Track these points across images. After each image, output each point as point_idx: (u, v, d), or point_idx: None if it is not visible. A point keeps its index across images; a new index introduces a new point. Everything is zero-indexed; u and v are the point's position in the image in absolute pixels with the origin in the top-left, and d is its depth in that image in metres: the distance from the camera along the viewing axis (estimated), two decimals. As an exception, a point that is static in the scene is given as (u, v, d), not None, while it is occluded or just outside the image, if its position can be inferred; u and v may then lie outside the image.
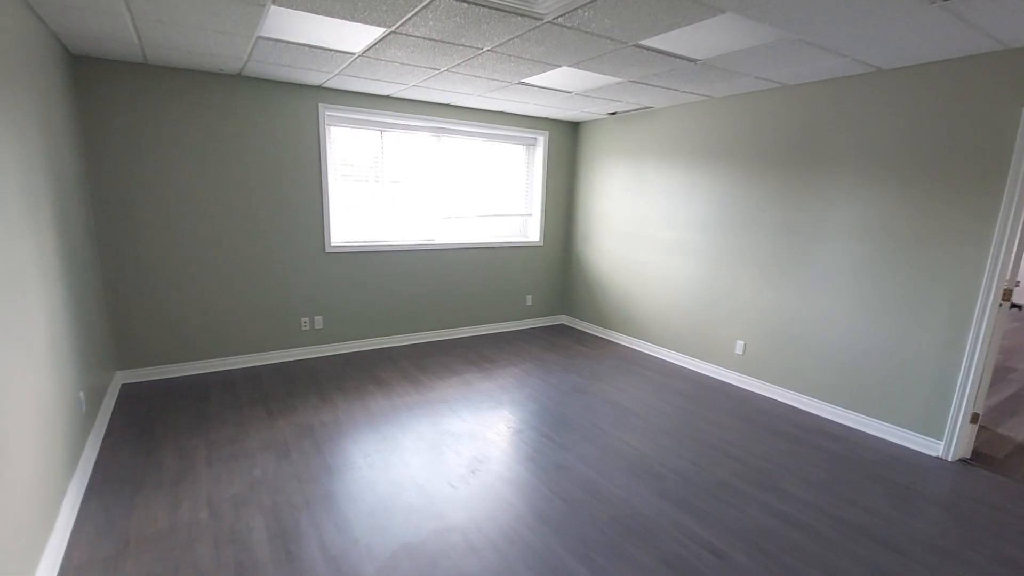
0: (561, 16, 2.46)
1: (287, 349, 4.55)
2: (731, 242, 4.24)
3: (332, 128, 4.48)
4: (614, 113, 5.08)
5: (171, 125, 3.75)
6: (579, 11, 2.40)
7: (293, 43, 3.02)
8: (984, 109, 2.82)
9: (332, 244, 4.60)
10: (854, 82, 3.34)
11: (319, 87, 4.25)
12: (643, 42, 2.79)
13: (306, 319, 4.58)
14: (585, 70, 3.39)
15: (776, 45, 2.77)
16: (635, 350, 5.23)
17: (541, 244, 5.94)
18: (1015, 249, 2.79)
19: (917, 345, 3.17)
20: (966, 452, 3.08)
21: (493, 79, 3.74)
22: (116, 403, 3.52)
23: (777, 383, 3.99)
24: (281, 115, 4.16)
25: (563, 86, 3.89)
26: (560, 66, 3.31)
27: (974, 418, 3.02)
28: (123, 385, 3.83)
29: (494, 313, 5.75)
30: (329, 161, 4.48)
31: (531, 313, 6.06)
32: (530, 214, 5.92)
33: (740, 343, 4.24)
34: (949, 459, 3.06)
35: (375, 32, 2.76)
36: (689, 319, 4.69)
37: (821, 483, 2.78)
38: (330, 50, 3.15)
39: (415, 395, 3.83)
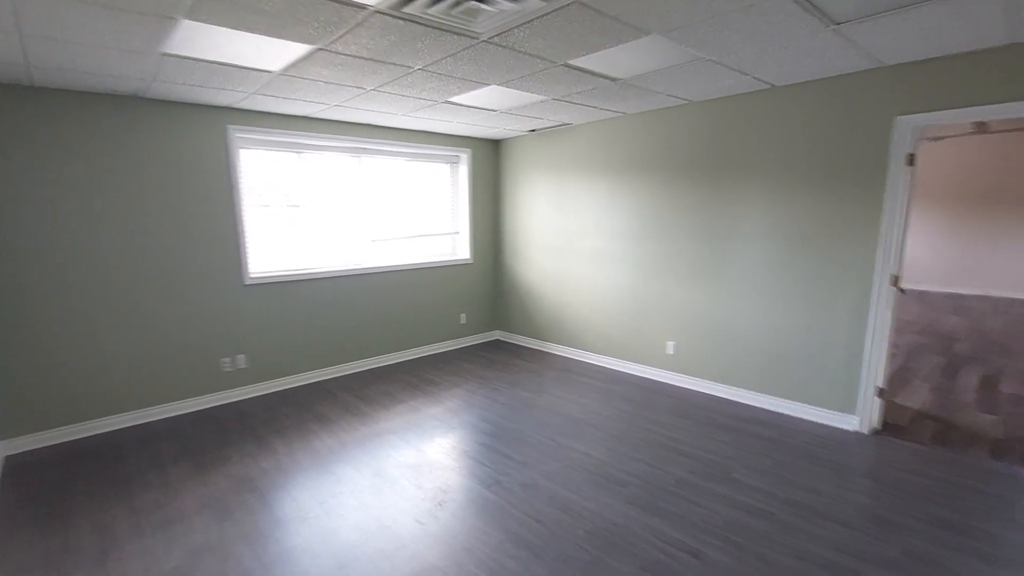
0: (497, 35, 2.44)
1: (211, 394, 4.08)
2: (656, 249, 4.43)
3: (244, 151, 4.13)
4: (534, 130, 5.16)
5: (56, 156, 3.25)
6: (515, 31, 2.39)
7: (205, 61, 2.74)
8: (864, 119, 3.17)
9: (250, 276, 4.21)
10: (752, 98, 3.64)
11: (228, 108, 3.90)
12: (572, 62, 2.84)
13: (227, 359, 4.14)
14: (514, 88, 3.39)
15: (689, 65, 2.94)
16: (573, 359, 5.29)
17: (471, 261, 5.86)
18: (895, 241, 3.15)
19: (827, 331, 3.48)
20: (877, 424, 3.41)
21: (420, 98, 3.64)
22: (-1, 481, 2.95)
23: (709, 378, 4.21)
24: (185, 139, 3.76)
25: (489, 104, 3.87)
26: (490, 84, 3.29)
27: (880, 392, 3.35)
28: (7, 457, 3.22)
29: (430, 334, 5.58)
30: (242, 187, 4.11)
31: (466, 331, 5.95)
32: (458, 232, 5.83)
33: (671, 344, 4.43)
34: (865, 432, 3.37)
35: (300, 49, 2.57)
36: (622, 325, 4.82)
37: (767, 470, 2.94)
38: (246, 68, 2.89)
39: (362, 428, 3.58)
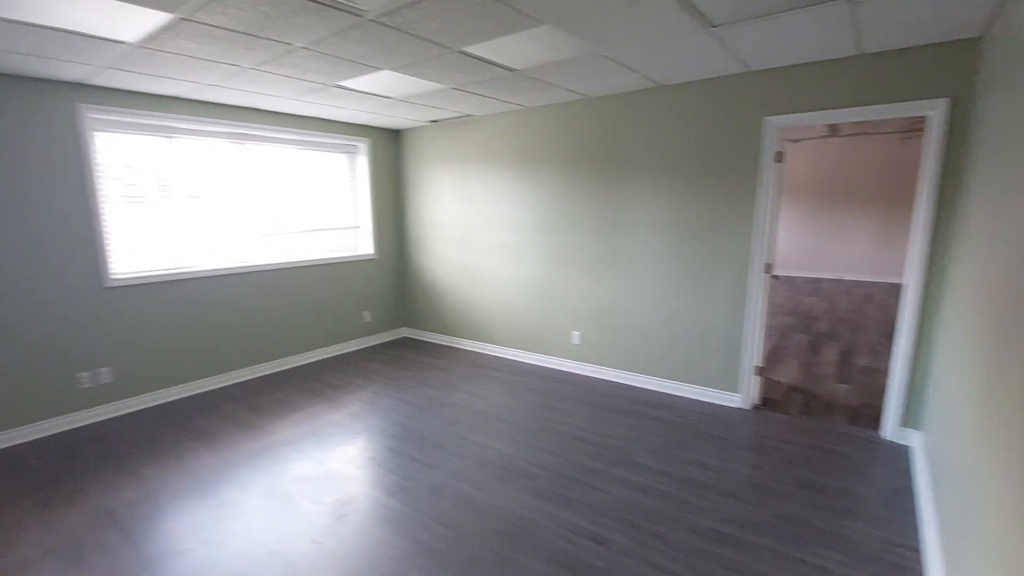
0: (385, 15, 2.28)
1: (64, 416, 3.49)
2: (560, 241, 4.49)
3: (101, 134, 3.56)
4: (435, 121, 5.01)
5: None
6: (404, 11, 2.24)
7: (38, 25, 2.29)
8: (739, 118, 3.41)
9: (113, 277, 3.67)
10: (642, 95, 3.79)
11: (79, 84, 3.34)
12: (468, 49, 2.75)
13: (86, 373, 3.58)
14: (409, 75, 3.23)
15: (584, 59, 2.97)
16: (482, 353, 5.24)
17: (375, 256, 5.59)
18: (767, 231, 3.44)
19: (712, 316, 3.73)
20: (757, 399, 3.73)
21: (306, 80, 3.36)
22: None
23: (611, 366, 4.36)
24: (25, 120, 3.16)
25: (385, 91, 3.67)
26: (382, 69, 3.10)
27: (758, 370, 3.66)
28: None
29: (332, 335, 5.24)
30: (101, 175, 3.55)
31: (371, 329, 5.68)
32: (359, 226, 5.53)
33: (576, 334, 4.53)
34: (747, 407, 3.67)
35: (158, 18, 2.23)
36: (529, 317, 4.86)
37: (662, 449, 3.09)
38: (92, 37, 2.46)
39: (251, 443, 3.26)
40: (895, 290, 8.40)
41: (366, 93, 3.72)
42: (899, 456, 2.96)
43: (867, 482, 2.69)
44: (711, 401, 3.82)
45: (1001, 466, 1.44)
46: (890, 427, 3.14)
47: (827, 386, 4.10)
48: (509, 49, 2.77)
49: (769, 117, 3.29)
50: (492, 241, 4.99)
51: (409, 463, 2.97)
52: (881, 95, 2.92)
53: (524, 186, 4.64)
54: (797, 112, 3.19)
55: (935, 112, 2.78)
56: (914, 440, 3.05)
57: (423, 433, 3.37)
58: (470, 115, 4.73)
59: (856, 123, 8.62)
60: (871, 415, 3.53)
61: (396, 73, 3.18)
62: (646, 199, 3.92)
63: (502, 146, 4.73)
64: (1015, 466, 1.30)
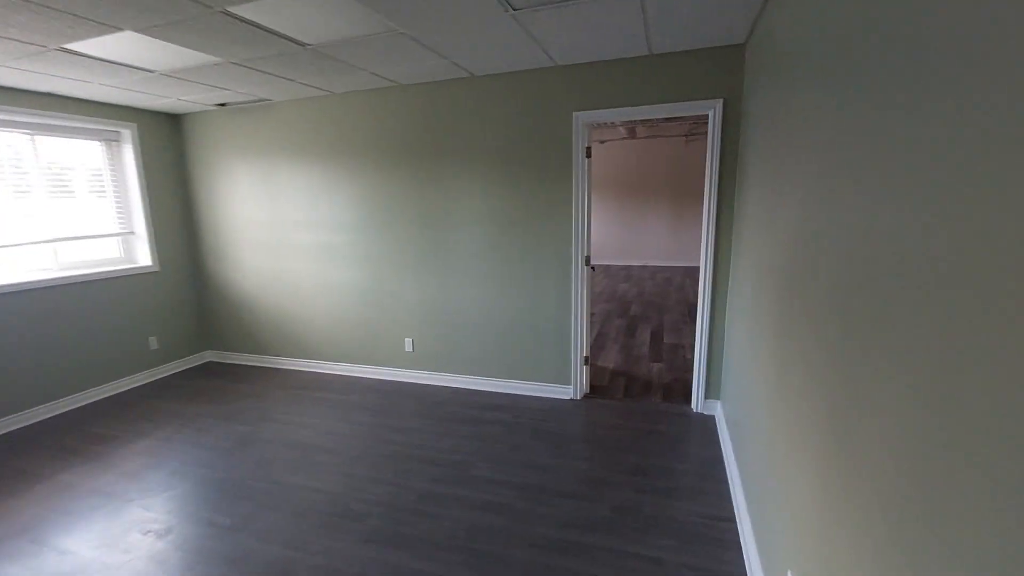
0: (107, -44, 1.68)
1: None
2: (382, 241, 4.11)
3: None
4: (224, 105, 4.20)
5: None
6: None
7: None
8: (552, 112, 3.43)
9: None
10: (459, 85, 3.60)
11: None
12: (232, 9, 2.22)
13: None
14: (163, 40, 2.54)
15: (385, 38, 2.64)
16: (306, 372, 4.61)
17: (157, 269, 4.53)
18: (583, 224, 3.53)
19: (541, 311, 3.74)
20: (586, 389, 3.85)
21: (16, 40, 2.45)
22: None
23: (447, 371, 4.14)
24: None
25: (138, 60, 2.88)
26: (123, 29, 2.38)
27: (585, 360, 3.78)
28: None
29: (103, 370, 4.11)
30: None
31: (160, 358, 4.61)
32: (133, 232, 4.43)
33: (409, 340, 4.21)
34: (578, 398, 3.76)
35: None
36: (357, 326, 4.39)
37: (502, 457, 2.96)
38: None
39: (-51, 547, 2.29)
40: (689, 272, 9.73)
41: (111, 62, 2.87)
42: (707, 427, 3.28)
43: (684, 457, 2.89)
44: (547, 396, 3.85)
45: (785, 427, 1.56)
46: (698, 400, 3.48)
47: (644, 367, 4.45)
48: (288, 15, 2.30)
49: (577, 112, 3.35)
50: (308, 244, 4.38)
51: (202, 530, 2.36)
52: (670, 94, 3.15)
53: (341, 181, 4.14)
54: (601, 108, 3.30)
55: (713, 111, 3.08)
56: (717, 409, 3.42)
57: (224, 484, 2.74)
58: (268, 100, 4.05)
59: (649, 126, 9.72)
60: (682, 390, 3.88)
61: (144, 36, 2.46)
62: (471, 193, 3.75)
63: (312, 136, 4.15)
64: (797, 428, 1.41)
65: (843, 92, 1.24)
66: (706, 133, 9.67)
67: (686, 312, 6.38)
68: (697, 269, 10.05)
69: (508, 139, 3.57)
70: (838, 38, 1.31)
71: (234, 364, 4.91)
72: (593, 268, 3.69)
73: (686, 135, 9.92)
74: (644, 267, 10.60)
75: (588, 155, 3.45)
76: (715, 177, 3.16)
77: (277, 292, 4.62)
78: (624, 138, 10.14)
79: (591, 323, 5.95)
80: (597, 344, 5.13)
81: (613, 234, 10.96)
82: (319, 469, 2.88)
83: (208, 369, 4.78)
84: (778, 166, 1.95)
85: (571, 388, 3.77)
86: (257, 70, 3.11)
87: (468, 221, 3.80)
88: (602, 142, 10.43)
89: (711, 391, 3.44)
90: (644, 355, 4.75)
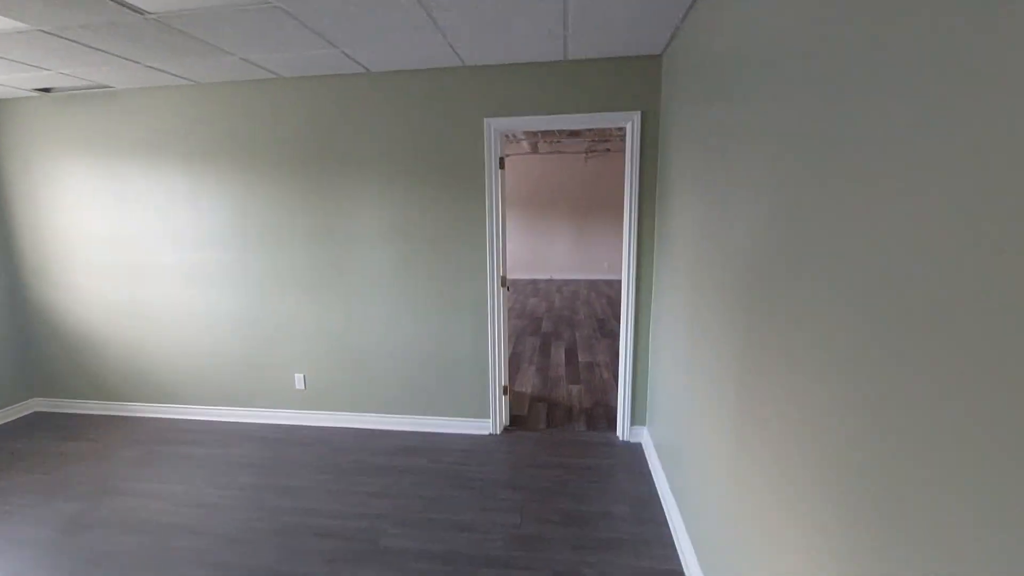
0: None
1: None
2: (268, 260, 3.46)
3: None
4: (47, 90, 3.31)
5: None
6: None
7: None
8: (463, 118, 3.08)
9: None
10: (352, 82, 3.12)
11: None
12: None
13: None
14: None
15: (252, 12, 2.10)
16: (168, 420, 3.76)
17: (-53, 300, 3.44)
18: (499, 242, 3.22)
19: (456, 338, 3.35)
20: (507, 421, 3.51)
21: None
22: None
23: (349, 409, 3.58)
24: None
25: (-101, 25, 2.06)
26: None
27: (505, 390, 3.44)
28: None
29: None
30: None
31: (-48, 416, 3.50)
32: (-94, 253, 3.32)
33: (300, 376, 3.59)
34: (498, 432, 3.40)
35: None
36: (236, 362, 3.66)
37: (418, 518, 2.51)
38: None
39: None
40: (592, 285, 9.87)
41: None
42: (636, 456, 3.08)
43: (619, 497, 2.65)
44: (465, 433, 3.44)
45: (725, 460, 1.32)
46: (623, 428, 3.29)
47: (562, 390, 4.22)
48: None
49: (489, 119, 3.04)
50: (171, 265, 3.58)
51: None
52: (587, 104, 2.95)
53: (215, 190, 3.43)
54: (516, 115, 3.02)
55: (631, 124, 2.93)
56: (644, 436, 3.25)
57: (31, 601, 1.99)
58: (108, 87, 3.25)
59: (551, 143, 9.78)
60: (604, 415, 3.69)
61: None
62: (373, 205, 3.27)
63: (174, 135, 3.39)
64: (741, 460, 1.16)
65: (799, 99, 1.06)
66: (608, 150, 9.95)
67: (596, 327, 6.33)
68: (600, 282, 10.24)
69: (415, 146, 3.15)
70: (794, 40, 1.13)
71: (71, 414, 3.89)
72: (508, 288, 3.38)
73: (586, 152, 10.13)
74: (550, 280, 10.59)
75: (502, 166, 3.15)
76: (635, 192, 3.00)
77: (129, 323, 3.73)
78: (528, 153, 10.11)
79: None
80: (512, 366, 4.82)
81: (519, 248, 10.85)
82: (176, 563, 2.22)
83: (34, 423, 3.73)
84: (719, 180, 1.78)
85: (491, 422, 3.41)
86: (84, 45, 2.40)
87: (373, 238, 3.31)
88: (507, 156, 10.31)
89: (637, 417, 3.27)
90: (561, 376, 4.53)
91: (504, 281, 3.31)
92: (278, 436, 3.45)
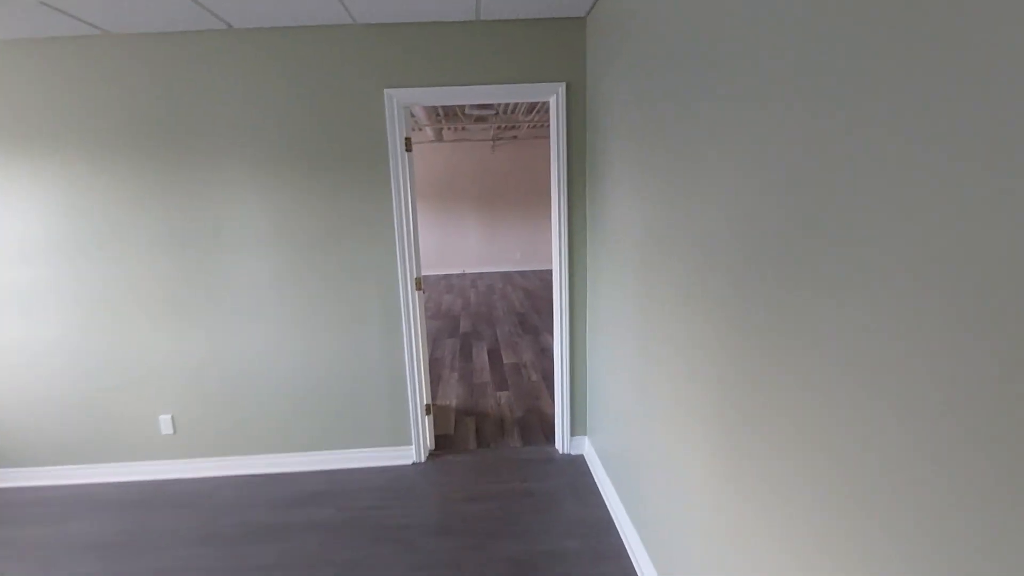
0: None
1: None
2: (108, 273, 2.66)
3: None
4: None
5: None
6: None
7: None
8: (359, 88, 2.52)
9: None
10: (211, 42, 2.44)
11: None
12: None
13: None
14: None
15: None
16: (-29, 495, 2.81)
17: None
18: (410, 237, 2.74)
19: (363, 354, 2.81)
20: (431, 445, 3.04)
21: None
22: None
23: (234, 453, 2.90)
24: None
25: None
26: None
27: (428, 409, 2.97)
28: None
29: None
30: None
31: None
32: None
33: (166, 418, 2.83)
34: (422, 460, 2.92)
35: None
36: (74, 405, 2.81)
37: (329, 588, 1.98)
38: None
39: None
40: (506, 277, 9.57)
41: None
42: (581, 472, 2.75)
43: (570, 528, 2.29)
44: (383, 465, 2.92)
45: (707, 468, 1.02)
46: (563, 440, 2.96)
47: (490, 398, 3.82)
48: None
49: (390, 90, 2.51)
50: (-48, 292, 2.64)
51: None
52: (505, 73, 2.53)
53: (23, 183, 2.54)
54: (421, 86, 2.52)
55: (556, 97, 2.57)
56: (585, 447, 2.95)
57: None
58: None
59: (458, 131, 9.27)
60: (540, 425, 3.34)
61: None
62: (250, 202, 2.61)
63: (-63, 115, 2.45)
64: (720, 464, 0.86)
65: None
66: (515, 137, 9.63)
67: (516, 323, 6.01)
68: (514, 273, 9.98)
69: (302, 126, 2.54)
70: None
71: None
72: (423, 290, 2.90)
73: (493, 139, 9.75)
74: (463, 275, 10.14)
75: (408, 148, 2.65)
76: (563, 176, 2.65)
77: (-103, 374, 2.72)
78: (432, 141, 9.51)
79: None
80: (433, 375, 4.33)
81: (428, 243, 10.25)
82: None
83: None
84: (676, 160, 1.46)
85: (413, 449, 2.92)
86: None
87: (250, 241, 2.65)
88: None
89: (577, 426, 2.96)
90: (487, 383, 4.13)
91: (419, 283, 2.82)
92: (140, 497, 2.69)
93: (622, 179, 2.05)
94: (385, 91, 2.51)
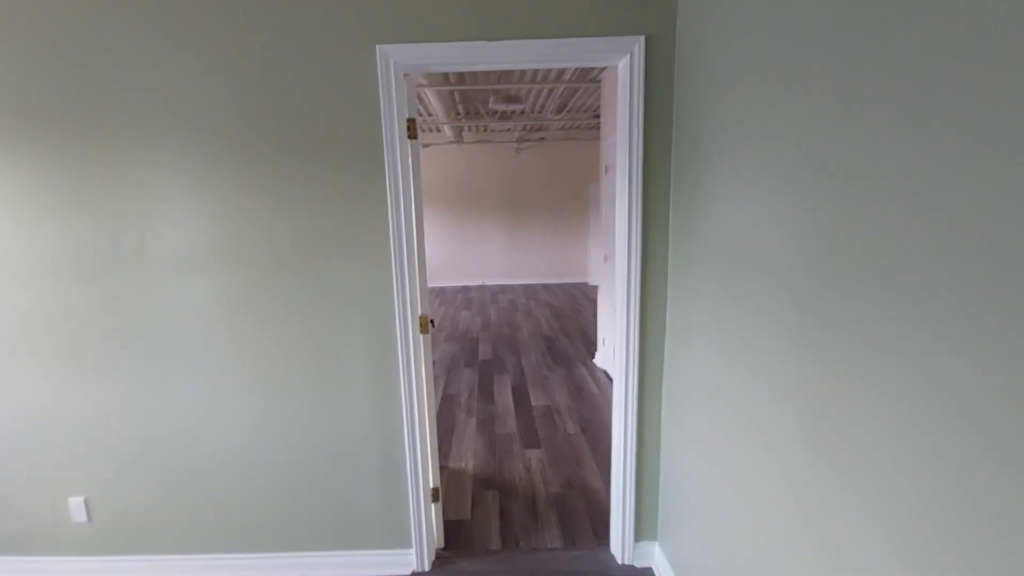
0: None
1: None
2: (-2, 310, 1.90)
3: None
4: None
5: None
6: None
7: None
8: (340, 42, 1.71)
9: None
10: (141, -11, 1.67)
11: None
12: None
13: None
14: None
15: None
16: None
17: None
18: (413, 258, 1.92)
19: (345, 420, 1.99)
20: (439, 541, 2.20)
21: None
22: None
23: (164, 550, 2.09)
24: None
25: None
26: None
27: (435, 495, 2.13)
28: None
29: None
30: None
31: None
32: None
33: (79, 501, 2.05)
34: (426, 569, 2.07)
35: None
36: (-53, 487, 2.04)
37: None
38: None
39: None
40: (530, 291, 8.73)
41: None
42: (646, 596, 1.89)
43: None
44: (370, 574, 2.08)
45: None
46: (624, 545, 2.08)
47: (517, 460, 2.96)
48: None
49: (385, 46, 1.70)
50: None
51: None
52: (551, 23, 1.70)
53: None
54: (429, 41, 1.71)
55: (630, 58, 1.72)
56: (655, 558, 2.07)
57: None
58: None
59: (478, 130, 8.51)
60: (586, 510, 2.47)
61: None
62: (186, 203, 1.82)
63: None
64: None
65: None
66: (542, 139, 8.82)
67: (544, 349, 5.15)
68: (538, 287, 9.13)
69: (258, 94, 1.75)
70: None
71: None
72: (433, 324, 2.06)
73: (517, 140, 8.96)
74: (482, 287, 9.33)
75: (412, 134, 1.83)
76: (636, 175, 1.81)
77: None
78: (450, 142, 8.77)
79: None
80: (445, 419, 3.49)
81: (447, 252, 9.48)
82: None
83: None
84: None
85: (413, 554, 2.07)
86: None
87: (185, 260, 1.86)
88: (425, 146, 8.89)
89: (643, 527, 2.08)
90: (513, 435, 3.27)
91: (426, 324, 2.00)
92: (33, 615, 1.91)
93: (754, 186, 1.20)
94: (378, 48, 1.71)
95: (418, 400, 1.97)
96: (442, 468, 2.85)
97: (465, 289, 9.15)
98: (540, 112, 7.07)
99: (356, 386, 1.96)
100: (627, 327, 1.92)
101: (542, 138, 8.81)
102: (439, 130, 8.18)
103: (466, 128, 8.16)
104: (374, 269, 1.87)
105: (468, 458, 2.98)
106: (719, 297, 1.44)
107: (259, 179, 1.80)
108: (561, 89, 5.59)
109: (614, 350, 1.99)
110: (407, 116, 1.80)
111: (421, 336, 1.97)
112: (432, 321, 2.02)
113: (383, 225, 1.84)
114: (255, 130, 1.76)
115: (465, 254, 9.49)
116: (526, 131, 8.34)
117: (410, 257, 1.88)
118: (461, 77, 4.89)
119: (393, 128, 1.77)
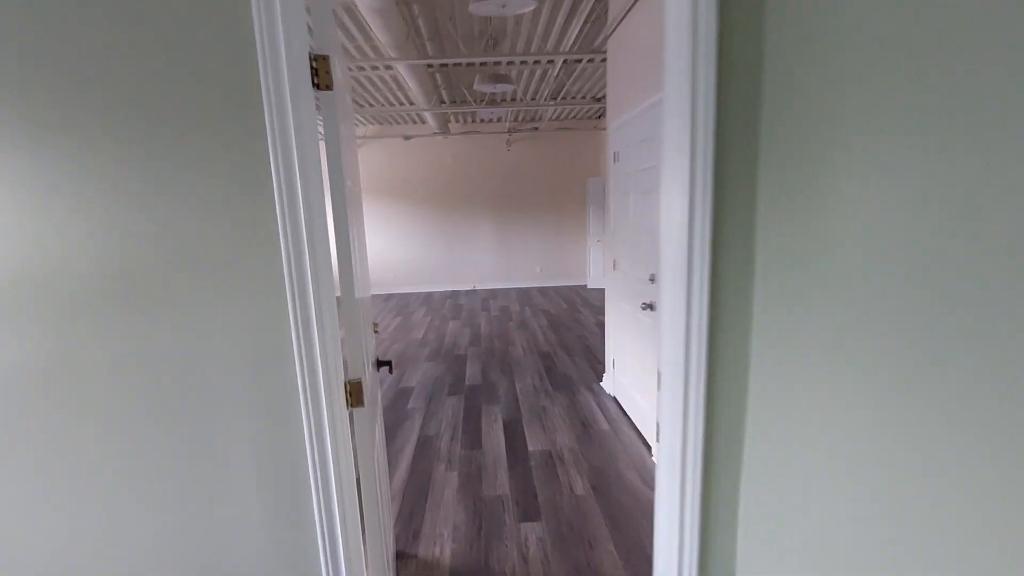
0: None
1: None
2: None
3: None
4: None
5: None
6: None
7: None
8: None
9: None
10: None
11: None
12: None
13: None
14: None
15: None
16: None
17: None
18: (327, 279, 1.18)
19: (222, 549, 1.24)
20: None
21: None
22: None
23: None
24: None
25: None
26: None
27: (383, 643, 1.38)
28: None
29: None
30: None
31: None
32: None
33: None
34: None
35: None
36: None
37: None
38: None
39: None
40: (524, 296, 7.99)
41: None
42: None
43: None
44: None
45: None
46: None
47: (507, 539, 2.21)
48: None
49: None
50: None
51: None
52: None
53: None
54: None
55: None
56: None
57: None
58: None
59: (466, 122, 7.75)
60: (599, 624, 1.74)
61: None
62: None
63: None
64: None
65: None
66: (536, 129, 8.05)
67: (542, 369, 4.42)
68: (533, 291, 8.39)
69: (55, 14, 0.99)
70: None
71: None
72: (392, 370, 1.30)
73: (508, 132, 8.20)
74: (473, 291, 8.59)
75: (325, 83, 1.08)
76: (704, 150, 1.06)
77: None
78: (435, 133, 8.00)
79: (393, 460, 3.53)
80: (420, 472, 2.74)
81: (434, 254, 8.72)
82: None
83: None
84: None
85: None
86: None
87: (-51, 299, 1.10)
88: (407, 138, 8.12)
89: None
90: (504, 497, 2.53)
91: (356, 393, 1.24)
92: None
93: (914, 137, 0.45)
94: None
95: (342, 517, 1.22)
96: (409, 558, 2.10)
97: (454, 295, 8.40)
98: (533, 99, 6.32)
99: (238, 496, 1.21)
100: (685, 388, 1.18)
101: (535, 128, 8.06)
102: (422, 120, 7.42)
103: (452, 118, 7.40)
104: (257, 307, 1.12)
105: (445, 538, 2.23)
106: (868, 343, 0.69)
107: (63, 159, 1.04)
108: (557, 70, 4.84)
109: (657, 408, 1.25)
110: (310, 51, 1.05)
111: (346, 411, 1.22)
112: (360, 393, 1.26)
113: (269, 235, 1.09)
114: (57, 75, 1.00)
115: (454, 256, 8.74)
116: (518, 121, 7.60)
117: (320, 284, 1.12)
118: (441, 49, 4.13)
119: (280, 70, 1.02)
